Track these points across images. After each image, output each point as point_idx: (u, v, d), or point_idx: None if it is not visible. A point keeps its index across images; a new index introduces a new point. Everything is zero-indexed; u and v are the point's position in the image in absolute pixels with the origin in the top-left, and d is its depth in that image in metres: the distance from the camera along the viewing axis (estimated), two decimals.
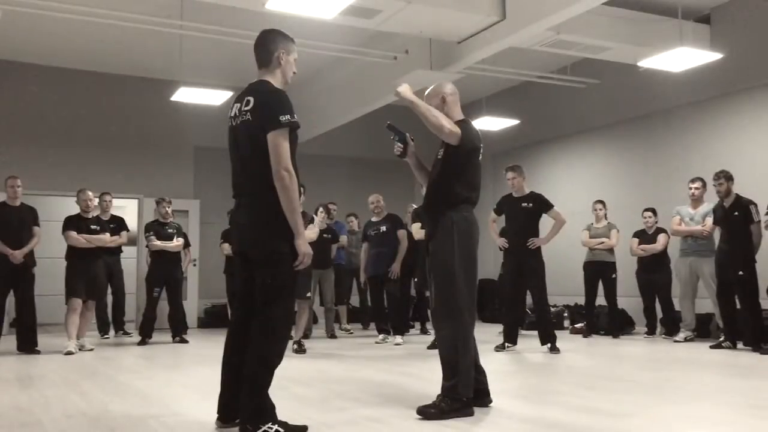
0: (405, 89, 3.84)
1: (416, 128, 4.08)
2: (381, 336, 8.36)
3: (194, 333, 9.67)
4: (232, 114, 3.38)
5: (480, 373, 3.92)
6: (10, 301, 7.48)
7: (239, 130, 3.31)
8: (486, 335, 8.35)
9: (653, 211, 8.72)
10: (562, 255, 9.73)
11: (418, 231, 7.67)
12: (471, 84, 10.81)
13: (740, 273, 6.95)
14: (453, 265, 3.76)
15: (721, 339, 7.22)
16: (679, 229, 7.96)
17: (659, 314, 8.63)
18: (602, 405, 4.01)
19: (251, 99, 3.27)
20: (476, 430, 3.43)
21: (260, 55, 3.41)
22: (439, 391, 3.98)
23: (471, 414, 3.64)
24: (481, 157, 4.03)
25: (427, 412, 3.60)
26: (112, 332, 9.31)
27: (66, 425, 3.53)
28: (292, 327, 7.60)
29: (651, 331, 8.66)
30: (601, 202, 9.09)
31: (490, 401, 3.90)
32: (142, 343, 8.14)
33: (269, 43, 3.40)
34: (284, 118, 3.17)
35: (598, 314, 9.09)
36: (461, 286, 3.75)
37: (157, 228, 8.49)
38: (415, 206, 8.67)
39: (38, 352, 7.10)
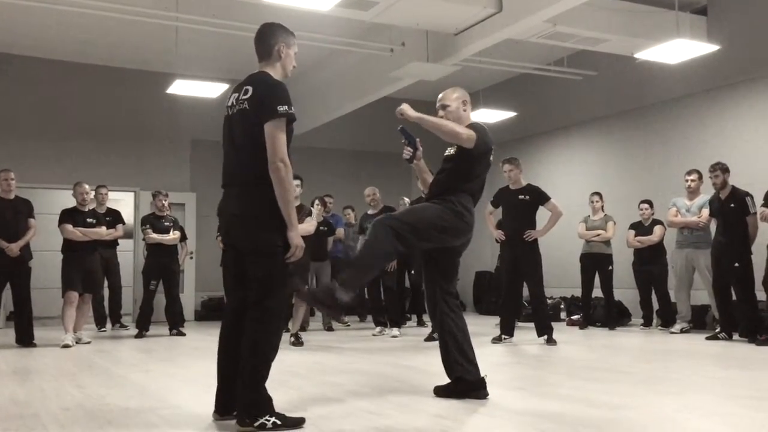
0: (406, 108, 3.87)
1: (422, 130, 4.08)
2: (378, 328, 8.38)
3: (191, 326, 9.68)
4: (229, 103, 3.37)
5: (469, 362, 3.91)
6: (7, 294, 7.47)
7: (235, 119, 3.30)
8: (483, 327, 8.37)
9: (650, 203, 8.73)
10: (559, 247, 9.75)
11: None
12: (467, 76, 10.78)
13: (736, 264, 6.97)
14: (420, 214, 3.87)
15: (717, 330, 7.24)
16: (676, 221, 7.98)
17: (655, 306, 8.66)
18: (599, 396, 4.02)
19: (250, 88, 3.26)
20: (473, 422, 3.44)
21: (260, 48, 3.40)
22: (437, 382, 4.00)
23: (364, 306, 3.71)
24: (492, 157, 4.09)
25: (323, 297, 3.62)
26: (108, 325, 9.31)
27: (63, 418, 3.52)
28: (289, 319, 7.62)
29: (647, 323, 8.68)
30: (598, 194, 9.10)
31: (487, 394, 3.90)
32: (139, 336, 8.15)
33: (270, 36, 3.39)
34: (282, 109, 3.16)
35: (595, 306, 9.11)
36: (417, 226, 3.78)
37: (153, 221, 8.47)
38: (407, 199, 8.67)
39: (35, 345, 7.10)
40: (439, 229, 3.82)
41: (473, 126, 4.03)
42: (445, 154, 4.12)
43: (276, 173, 3.14)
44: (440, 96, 4.18)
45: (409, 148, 4.10)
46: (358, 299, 3.80)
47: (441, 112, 4.12)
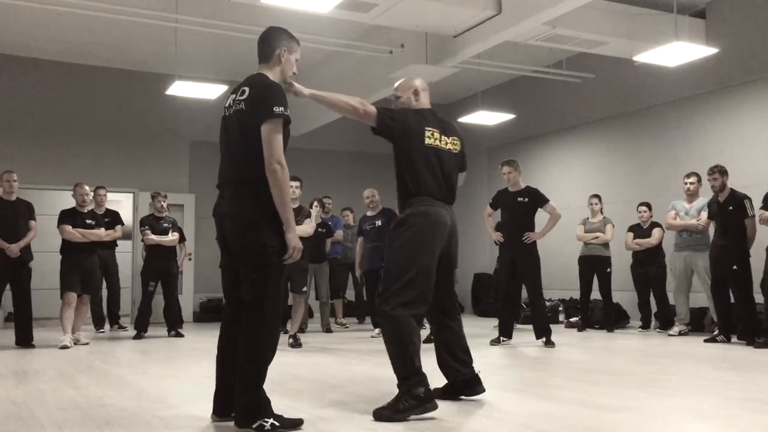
0: (299, 87, 3.57)
1: None
2: (376, 330, 8.37)
3: (190, 327, 9.67)
4: (227, 104, 3.38)
5: (462, 364, 3.93)
6: (7, 295, 7.47)
7: (231, 119, 3.31)
8: (481, 329, 8.37)
9: (648, 205, 8.74)
10: (558, 249, 9.76)
11: None
12: (466, 78, 10.80)
13: (734, 267, 6.98)
14: (398, 266, 3.58)
15: (715, 333, 7.25)
16: (674, 224, 7.98)
17: (654, 308, 8.66)
18: (597, 398, 4.02)
19: (246, 89, 3.27)
20: (471, 423, 3.44)
21: (262, 50, 3.41)
22: (434, 383, 4.00)
23: (433, 409, 3.47)
24: (431, 141, 3.73)
25: (381, 414, 3.41)
26: (107, 326, 9.30)
27: (61, 419, 3.52)
28: (287, 321, 7.61)
29: (645, 325, 8.69)
30: (597, 196, 9.11)
31: (483, 389, 3.94)
32: (138, 337, 8.14)
33: (273, 39, 3.41)
34: (278, 110, 3.16)
35: (593, 308, 9.11)
36: (405, 279, 3.54)
37: (152, 222, 8.48)
38: None
39: (33, 347, 7.10)
40: (417, 256, 3.57)
41: (403, 110, 3.80)
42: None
43: (273, 175, 3.13)
44: (395, 85, 4.00)
45: None
46: (428, 390, 3.54)
47: (392, 104, 3.94)
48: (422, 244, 3.62)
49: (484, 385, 3.98)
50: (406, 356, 3.49)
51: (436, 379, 4.05)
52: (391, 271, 3.61)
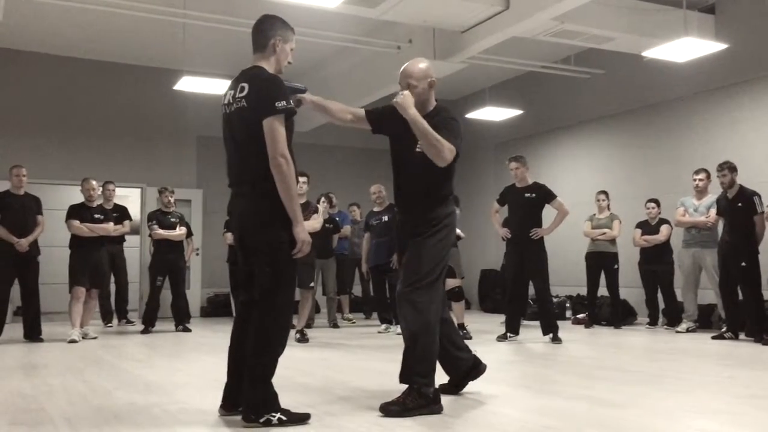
0: (405, 100, 3.52)
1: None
2: (383, 325, 8.39)
3: (197, 322, 9.69)
4: (226, 101, 3.34)
5: (465, 351, 3.97)
6: (15, 289, 7.52)
7: (234, 117, 3.27)
8: (488, 325, 8.37)
9: (656, 202, 8.71)
10: (565, 245, 9.73)
11: None
12: (474, 74, 10.77)
13: (743, 264, 6.96)
14: (438, 258, 3.59)
15: (723, 330, 7.23)
16: (683, 220, 7.96)
17: (661, 305, 8.64)
18: (604, 395, 4.02)
19: (246, 85, 3.22)
20: (476, 419, 3.44)
21: (257, 40, 3.37)
22: (441, 379, 4.00)
23: (439, 411, 3.46)
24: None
25: (389, 409, 3.39)
26: (115, 321, 9.34)
27: (70, 413, 3.54)
28: (293, 316, 7.64)
29: (653, 322, 8.67)
30: (604, 192, 9.09)
31: (485, 366, 4.02)
32: (145, 331, 8.17)
33: (267, 28, 3.37)
34: (280, 104, 3.14)
35: (600, 305, 9.09)
36: (436, 274, 3.56)
37: (159, 217, 8.50)
38: None
39: (42, 341, 7.14)
40: (446, 255, 3.65)
41: (448, 126, 3.56)
42: (417, 149, 3.59)
43: (277, 169, 3.12)
44: (404, 69, 3.74)
45: (295, 97, 3.52)
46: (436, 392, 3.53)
47: (405, 90, 3.65)
48: (450, 244, 3.72)
49: (491, 382, 4.01)
50: (432, 354, 3.52)
51: (438, 376, 4.06)
52: (426, 263, 3.54)
